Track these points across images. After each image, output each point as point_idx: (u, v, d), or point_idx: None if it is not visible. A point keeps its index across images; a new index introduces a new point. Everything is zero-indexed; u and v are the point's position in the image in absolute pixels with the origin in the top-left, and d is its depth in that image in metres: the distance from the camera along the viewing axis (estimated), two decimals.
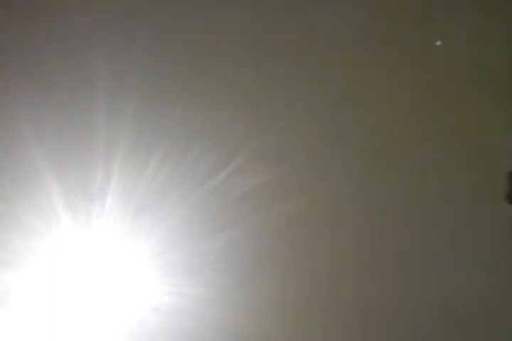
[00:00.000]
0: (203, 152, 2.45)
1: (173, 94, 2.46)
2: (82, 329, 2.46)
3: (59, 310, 2.45)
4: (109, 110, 2.40)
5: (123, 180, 2.43)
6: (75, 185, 2.43)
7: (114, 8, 2.50)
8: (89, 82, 2.43)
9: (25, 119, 2.42)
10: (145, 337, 2.46)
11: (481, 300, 2.48)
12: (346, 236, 2.54)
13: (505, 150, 2.51)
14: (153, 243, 2.47)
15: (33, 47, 2.49)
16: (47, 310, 2.45)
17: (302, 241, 2.51)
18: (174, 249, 2.48)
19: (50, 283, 2.45)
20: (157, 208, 2.47)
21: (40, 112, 2.43)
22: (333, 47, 2.50)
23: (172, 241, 2.48)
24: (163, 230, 2.47)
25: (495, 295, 2.49)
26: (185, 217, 2.48)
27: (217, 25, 2.48)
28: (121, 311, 2.47)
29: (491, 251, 2.51)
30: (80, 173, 2.42)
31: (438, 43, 2.35)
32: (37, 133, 2.41)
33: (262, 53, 2.49)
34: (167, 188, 2.46)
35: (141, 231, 2.46)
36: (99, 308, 2.47)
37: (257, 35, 2.47)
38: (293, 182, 2.51)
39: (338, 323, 2.56)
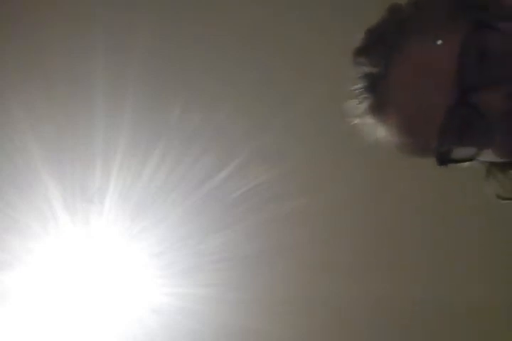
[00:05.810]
0: (202, 152, 2.45)
1: (172, 94, 2.46)
2: (81, 329, 2.47)
3: (58, 310, 2.46)
4: (108, 110, 2.40)
5: (122, 180, 2.43)
6: (74, 186, 2.43)
7: (114, 8, 2.50)
8: (88, 82, 2.43)
9: (25, 119, 2.42)
10: (144, 337, 2.47)
11: (480, 301, 2.48)
12: (346, 236, 2.54)
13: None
14: (152, 243, 2.48)
15: (33, 47, 2.49)
16: (46, 310, 2.46)
17: (302, 241, 2.51)
18: (173, 249, 2.48)
19: (50, 284, 2.46)
20: (156, 208, 2.47)
21: (39, 112, 2.44)
22: (332, 47, 2.49)
23: (171, 241, 2.49)
24: (162, 230, 2.47)
25: (495, 295, 2.49)
26: (185, 217, 2.48)
27: (217, 25, 2.47)
28: (120, 311, 2.47)
29: (491, 253, 2.51)
30: (78, 174, 2.43)
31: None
32: (36, 134, 2.41)
33: (262, 53, 2.48)
34: (166, 188, 2.46)
35: (140, 231, 2.47)
36: (98, 308, 2.47)
37: (257, 36, 2.47)
38: (293, 182, 2.51)
39: (339, 323, 2.56)
